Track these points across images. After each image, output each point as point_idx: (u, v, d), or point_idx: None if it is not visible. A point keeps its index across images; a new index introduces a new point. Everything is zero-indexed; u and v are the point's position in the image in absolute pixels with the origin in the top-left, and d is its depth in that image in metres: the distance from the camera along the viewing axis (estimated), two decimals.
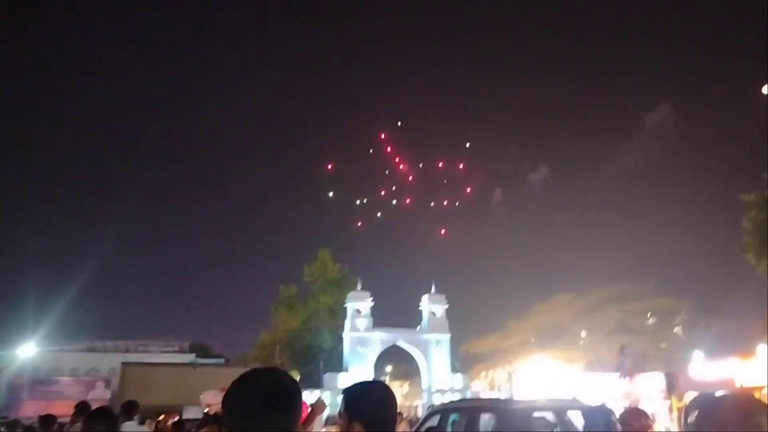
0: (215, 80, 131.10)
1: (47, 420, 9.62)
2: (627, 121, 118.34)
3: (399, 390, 54.59)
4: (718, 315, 40.77)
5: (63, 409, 17.20)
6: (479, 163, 77.99)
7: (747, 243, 27.49)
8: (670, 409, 24.34)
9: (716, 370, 23.39)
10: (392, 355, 56.33)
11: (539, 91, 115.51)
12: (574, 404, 10.97)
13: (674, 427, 21.28)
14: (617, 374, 29.05)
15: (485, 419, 10.52)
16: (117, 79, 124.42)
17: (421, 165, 72.29)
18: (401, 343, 53.59)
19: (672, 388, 24.96)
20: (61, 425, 9.35)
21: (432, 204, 71.98)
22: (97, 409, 4.28)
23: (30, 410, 31.00)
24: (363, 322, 52.01)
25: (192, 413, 17.91)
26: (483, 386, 54.33)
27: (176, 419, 10.62)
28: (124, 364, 33.59)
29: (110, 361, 43.54)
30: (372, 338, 51.87)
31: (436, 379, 51.37)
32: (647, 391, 26.60)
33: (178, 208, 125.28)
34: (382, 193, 70.48)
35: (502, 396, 32.84)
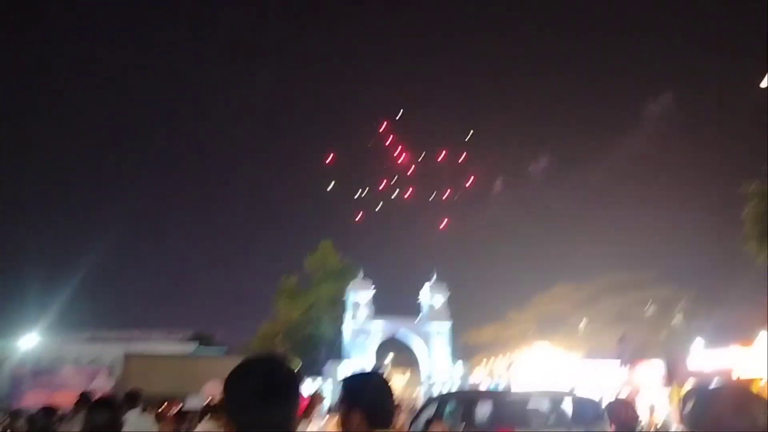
0: (217, 72, 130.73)
1: (48, 410, 9.67)
2: (627, 113, 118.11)
3: (399, 379, 54.78)
4: (718, 304, 40.87)
5: (66, 399, 17.32)
6: (480, 153, 77.99)
7: (747, 233, 27.53)
8: (670, 397, 24.46)
9: (716, 359, 23.49)
10: (393, 344, 56.53)
11: (540, 84, 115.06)
12: (568, 395, 11.08)
13: (674, 414, 21.39)
14: (617, 363, 29.14)
15: (481, 409, 10.62)
16: (118, 71, 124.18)
17: (422, 156, 72.12)
18: (402, 333, 53.78)
19: (672, 376, 25.08)
20: (64, 415, 9.40)
21: (433, 195, 71.86)
22: (100, 398, 4.31)
23: (33, 400, 31.10)
24: (364, 311, 52.20)
25: (194, 403, 17.99)
26: (483, 375, 54.56)
27: (179, 408, 10.68)
28: (127, 355, 33.68)
29: (113, 351, 43.55)
30: (373, 328, 52.06)
31: (437, 369, 51.57)
32: (647, 379, 26.73)
33: (180, 198, 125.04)
34: (383, 184, 70.32)
35: (502, 385, 32.96)
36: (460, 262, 72.02)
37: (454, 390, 36.76)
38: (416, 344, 53.87)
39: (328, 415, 23.97)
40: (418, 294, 55.72)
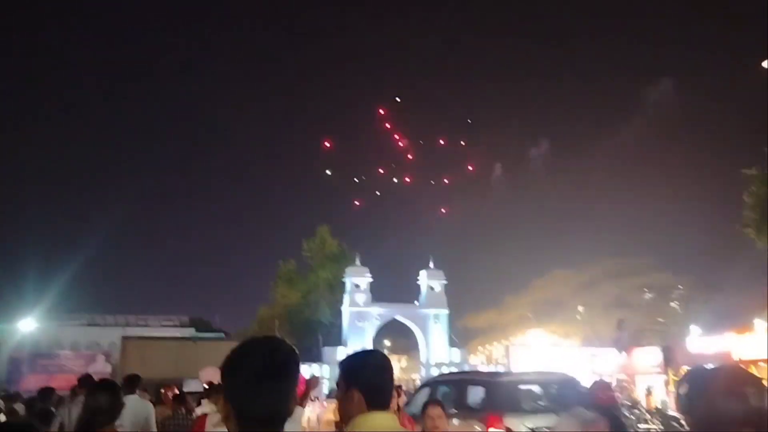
0: (214, 59, 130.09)
1: (46, 393, 9.67)
2: (627, 97, 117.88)
3: (397, 364, 55.06)
4: (716, 290, 41.00)
5: (64, 383, 17.35)
6: (480, 139, 77.77)
7: (747, 217, 27.45)
8: (667, 382, 24.61)
9: (713, 345, 23.61)
10: (391, 329, 56.82)
11: (539, 70, 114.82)
12: (560, 377, 11.14)
13: (671, 400, 21.51)
14: (614, 349, 29.29)
15: (474, 391, 10.66)
16: (117, 58, 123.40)
17: (420, 142, 71.89)
18: (399, 318, 54.00)
19: (669, 362, 25.21)
20: (61, 398, 9.41)
21: (431, 181, 71.71)
22: (101, 380, 4.27)
23: (31, 384, 31.20)
24: (362, 296, 52.36)
25: (192, 386, 18.03)
26: (480, 360, 54.85)
27: (176, 392, 10.69)
28: (125, 338, 33.74)
29: (110, 335, 43.72)
30: (371, 313, 52.25)
31: (434, 354, 51.83)
32: (644, 365, 26.88)
33: (178, 184, 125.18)
34: (381, 170, 70.13)
35: (499, 370, 33.11)
36: (457, 247, 72.06)
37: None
38: (414, 329, 54.08)
39: (326, 401, 24.04)
40: (415, 279, 55.91)
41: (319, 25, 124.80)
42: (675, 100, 69.37)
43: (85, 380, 8.24)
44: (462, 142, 73.51)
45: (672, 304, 45.64)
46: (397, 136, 70.77)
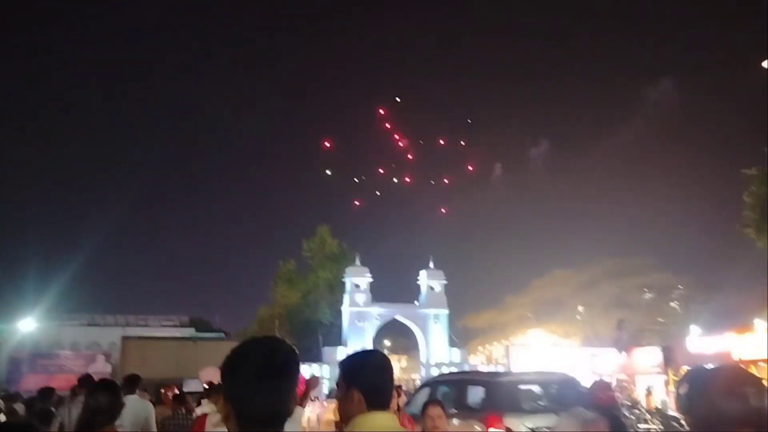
0: (214, 58, 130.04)
1: (46, 393, 9.67)
2: (627, 97, 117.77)
3: (397, 364, 55.02)
4: (716, 290, 40.97)
5: (64, 383, 17.35)
6: (480, 139, 77.70)
7: (747, 217, 27.45)
8: (667, 382, 24.61)
9: (713, 345, 23.59)
10: (391, 329, 56.76)
11: (540, 67, 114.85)
12: (560, 377, 11.14)
13: (671, 400, 21.50)
14: (614, 349, 29.28)
15: (474, 391, 10.66)
16: (118, 55, 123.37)
17: (420, 142, 71.85)
18: (399, 318, 53.96)
19: (669, 362, 25.20)
20: (61, 398, 9.40)
21: (432, 182, 71.67)
22: (101, 380, 4.27)
23: (31, 384, 31.19)
24: (362, 297, 52.31)
25: (192, 386, 18.05)
26: (480, 360, 54.82)
27: (176, 392, 10.69)
28: (125, 338, 33.74)
29: (110, 335, 43.75)
30: (371, 313, 52.20)
31: (434, 354, 51.78)
32: (644, 365, 26.87)
33: (178, 184, 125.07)
34: (381, 170, 70.09)
35: (499, 370, 33.10)
36: (457, 247, 71.99)
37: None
38: (414, 329, 54.04)
39: (326, 401, 24.03)
40: (415, 279, 55.85)
41: (319, 25, 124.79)
42: (675, 100, 69.42)
43: (85, 380, 8.23)
44: (462, 142, 73.56)
45: (672, 304, 45.62)
46: (397, 136, 70.76)
